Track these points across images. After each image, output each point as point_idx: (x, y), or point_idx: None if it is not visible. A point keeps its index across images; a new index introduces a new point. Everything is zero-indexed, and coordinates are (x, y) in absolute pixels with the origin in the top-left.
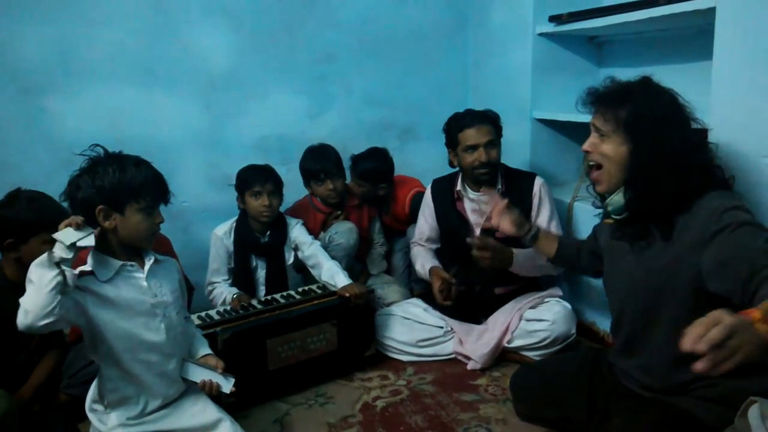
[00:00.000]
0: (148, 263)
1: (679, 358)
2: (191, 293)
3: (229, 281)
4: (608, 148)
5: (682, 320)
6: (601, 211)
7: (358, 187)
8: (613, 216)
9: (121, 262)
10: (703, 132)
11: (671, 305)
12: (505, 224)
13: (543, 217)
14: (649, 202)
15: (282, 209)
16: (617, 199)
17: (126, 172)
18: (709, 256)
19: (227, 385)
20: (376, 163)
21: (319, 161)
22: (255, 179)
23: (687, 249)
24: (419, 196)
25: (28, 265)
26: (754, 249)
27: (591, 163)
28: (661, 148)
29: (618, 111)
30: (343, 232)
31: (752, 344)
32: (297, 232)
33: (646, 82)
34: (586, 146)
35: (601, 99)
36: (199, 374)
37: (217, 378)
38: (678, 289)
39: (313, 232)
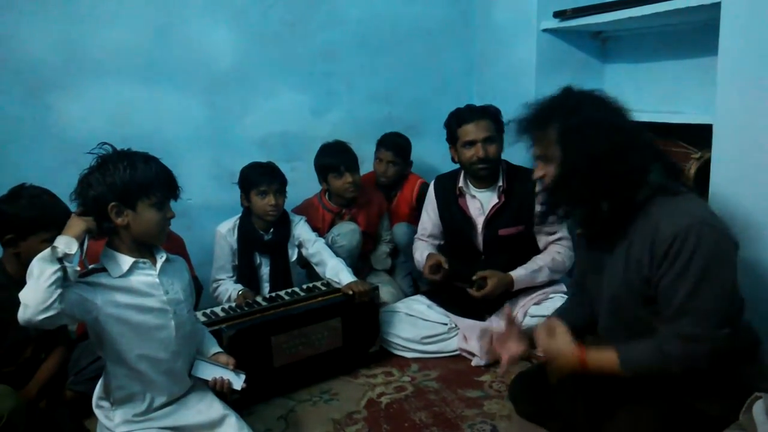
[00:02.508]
0: (160, 261)
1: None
2: (200, 293)
3: (234, 278)
4: (552, 169)
5: (641, 325)
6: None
7: (392, 166)
8: (576, 229)
9: (133, 259)
10: (641, 126)
11: (630, 312)
12: (510, 350)
13: None
14: (590, 210)
15: (290, 207)
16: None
17: (136, 168)
18: (658, 282)
19: (238, 382)
20: (407, 139)
21: (338, 155)
22: (261, 178)
23: (639, 262)
24: (426, 185)
25: (27, 262)
26: (674, 302)
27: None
28: (588, 154)
29: (548, 132)
30: (346, 233)
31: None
32: (300, 229)
33: (565, 94)
34: (536, 174)
35: (529, 126)
36: (210, 372)
37: (228, 375)
38: (635, 298)
39: (321, 232)
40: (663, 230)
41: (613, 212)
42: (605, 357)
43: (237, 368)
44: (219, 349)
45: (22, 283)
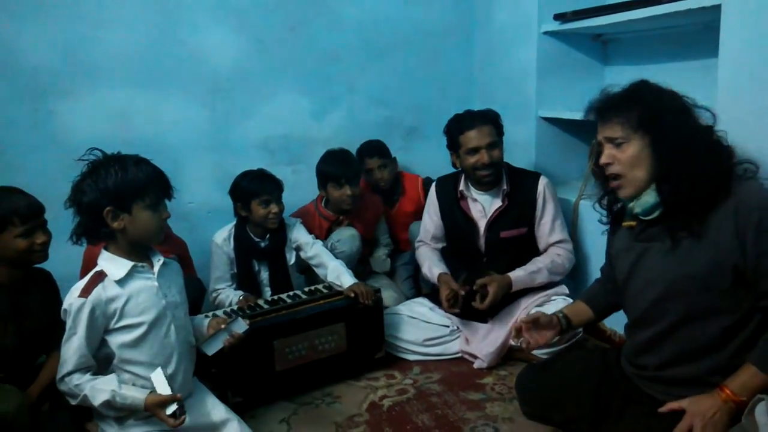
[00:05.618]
0: (158, 264)
1: (707, 349)
2: (203, 294)
3: (234, 286)
4: (631, 152)
5: (715, 314)
6: (606, 228)
7: (383, 169)
8: (641, 217)
9: (132, 263)
10: (712, 120)
11: (704, 302)
12: (542, 337)
13: (547, 217)
14: (687, 192)
15: (288, 212)
16: (646, 199)
17: (128, 171)
18: (752, 258)
19: (242, 327)
20: (370, 140)
21: (341, 166)
22: (263, 188)
23: (725, 248)
24: (430, 181)
25: (6, 259)
26: None
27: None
28: (685, 134)
29: (631, 113)
30: (346, 239)
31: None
32: (297, 232)
33: (645, 83)
34: (604, 159)
35: (609, 107)
36: (217, 342)
37: (230, 330)
38: (715, 288)
39: (318, 240)
40: (745, 206)
41: (700, 195)
42: (749, 378)
43: (236, 367)
44: (206, 320)
45: (10, 288)
